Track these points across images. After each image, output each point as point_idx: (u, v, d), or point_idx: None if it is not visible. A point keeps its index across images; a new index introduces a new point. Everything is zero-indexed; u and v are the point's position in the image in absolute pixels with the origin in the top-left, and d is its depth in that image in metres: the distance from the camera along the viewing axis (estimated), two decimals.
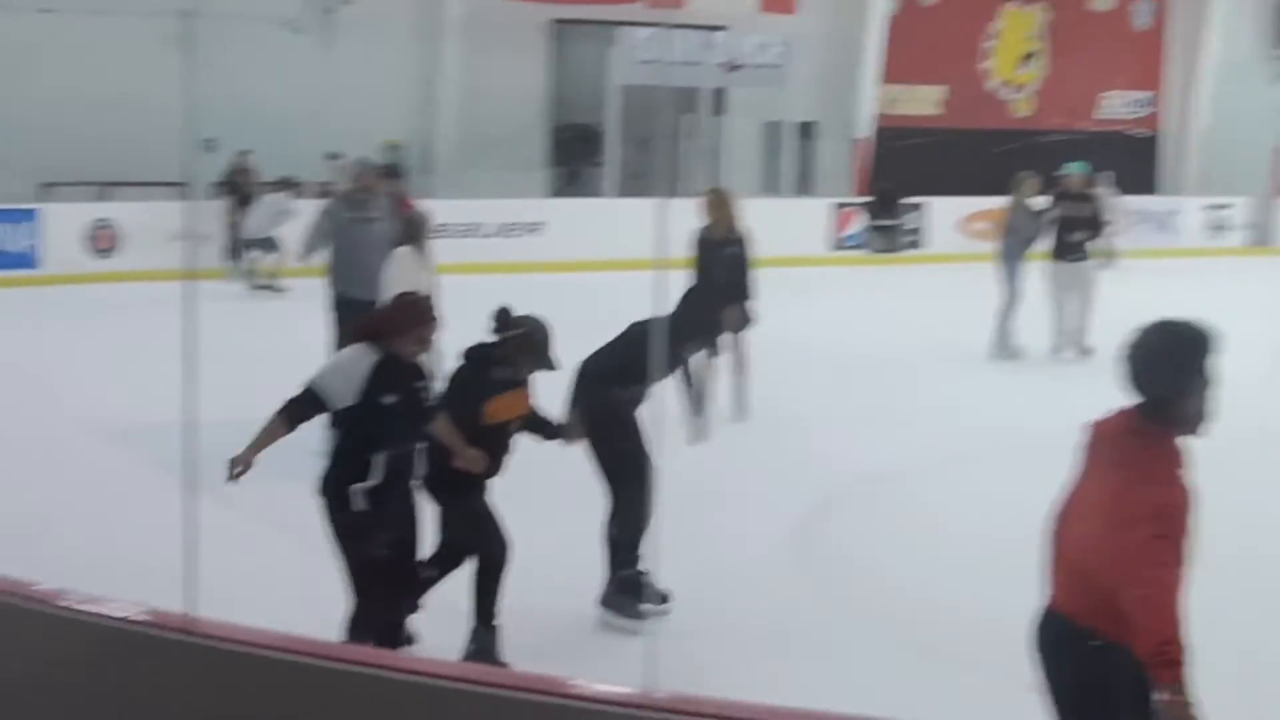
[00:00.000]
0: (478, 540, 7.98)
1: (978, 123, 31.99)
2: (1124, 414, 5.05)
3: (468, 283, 21.58)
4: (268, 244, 22.91)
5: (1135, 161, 33.45)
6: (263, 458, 7.22)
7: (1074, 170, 19.07)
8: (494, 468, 7.91)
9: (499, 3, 27.36)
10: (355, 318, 12.33)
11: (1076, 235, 18.18)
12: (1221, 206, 32.44)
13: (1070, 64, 32.84)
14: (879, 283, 26.09)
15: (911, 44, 30.97)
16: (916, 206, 29.59)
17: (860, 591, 9.84)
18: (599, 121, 28.58)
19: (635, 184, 28.26)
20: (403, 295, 7.70)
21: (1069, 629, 5.05)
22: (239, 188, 24.02)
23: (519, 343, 8.03)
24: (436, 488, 7.95)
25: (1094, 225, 18.40)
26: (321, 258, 13.30)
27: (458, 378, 8.14)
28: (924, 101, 31.85)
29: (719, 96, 29.02)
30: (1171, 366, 4.96)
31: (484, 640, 7.95)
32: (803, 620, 9.03)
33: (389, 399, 7.20)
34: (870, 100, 30.65)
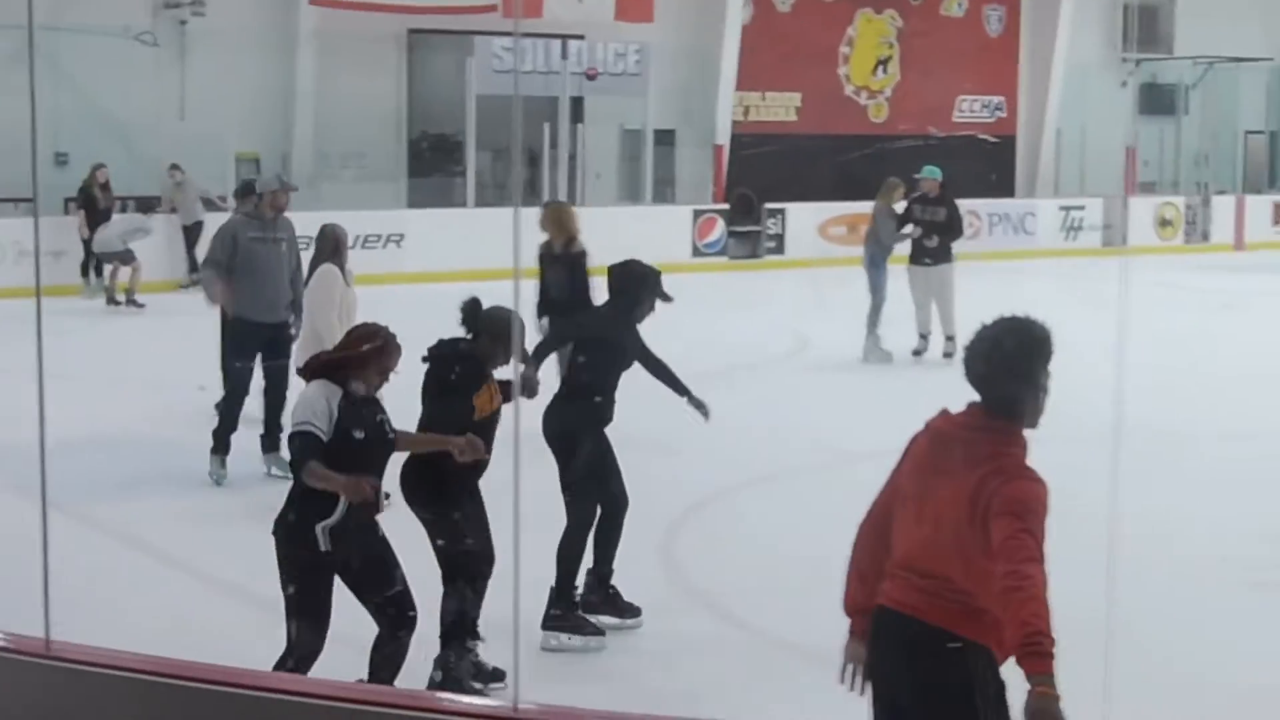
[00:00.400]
0: (478, 546, 7.81)
1: (834, 128, 32.25)
2: (966, 412, 5.07)
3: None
4: (125, 257, 22.56)
5: (991, 165, 33.92)
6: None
7: (927, 175, 19.26)
8: (484, 462, 7.74)
9: (353, 13, 27.16)
10: (256, 342, 12.26)
11: (932, 239, 18.37)
12: (1076, 208, 32.95)
13: (925, 69, 33.20)
14: (740, 289, 26.20)
15: (767, 51, 31.15)
16: (776, 212, 29.78)
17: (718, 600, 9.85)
18: (457, 131, 28.47)
19: (494, 193, 28.19)
20: (362, 327, 7.27)
21: (921, 630, 5.00)
22: (93, 202, 23.65)
23: (494, 335, 7.88)
24: (425, 499, 7.81)
25: (949, 229, 18.57)
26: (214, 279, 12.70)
27: (438, 377, 7.94)
28: (780, 108, 32.04)
29: (577, 105, 29.01)
30: (1015, 364, 5.00)
31: (457, 665, 7.74)
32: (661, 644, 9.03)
33: (359, 434, 6.99)
34: (727, 107, 30.78)
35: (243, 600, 9.10)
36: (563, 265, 13.89)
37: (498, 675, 7.82)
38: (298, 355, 11.43)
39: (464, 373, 7.90)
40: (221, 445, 12.03)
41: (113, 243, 22.68)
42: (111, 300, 22.50)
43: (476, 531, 7.80)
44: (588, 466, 8.72)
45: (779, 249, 29.66)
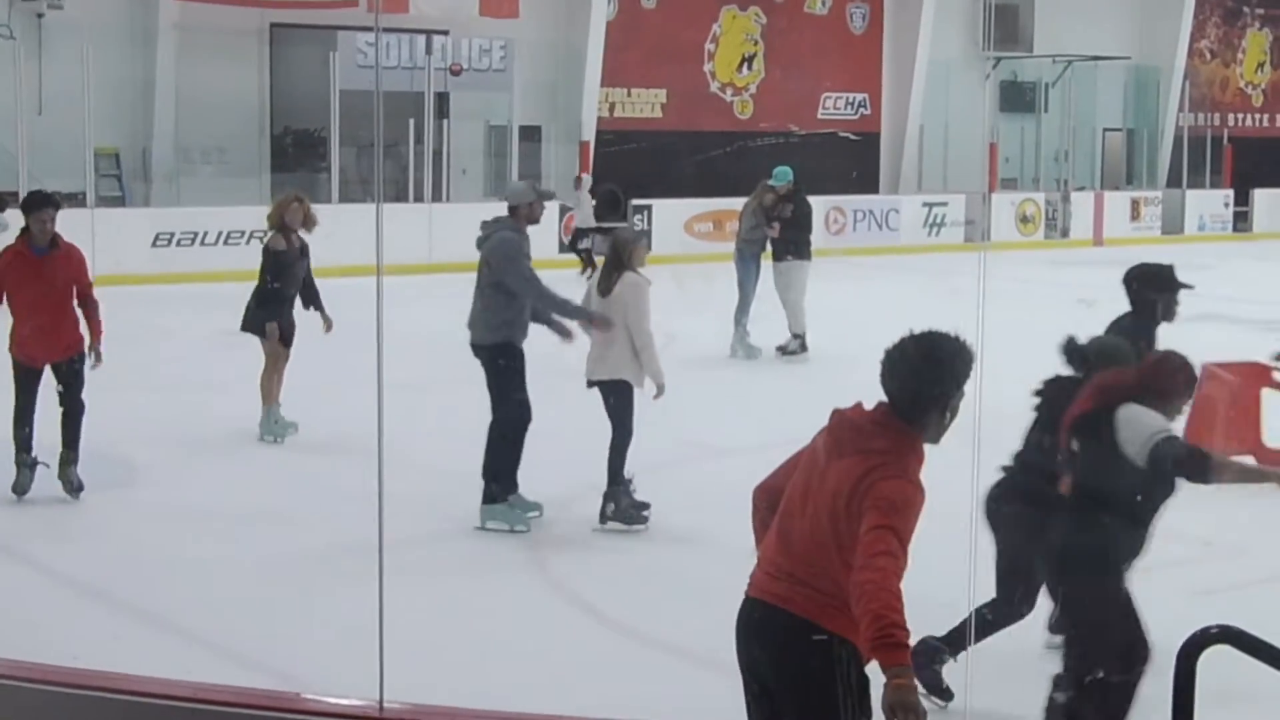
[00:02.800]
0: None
1: (700, 125, 32.37)
2: (876, 408, 5.12)
3: (193, 291, 21.23)
4: None
5: (855, 161, 34.19)
6: None
7: (779, 179, 19.35)
8: None
9: (213, 7, 26.84)
10: None
11: (787, 235, 18.48)
12: (938, 204, 33.30)
13: (789, 66, 33.41)
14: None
15: (633, 47, 31.20)
16: (642, 208, 29.82)
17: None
18: (321, 127, 28.23)
19: (358, 189, 27.98)
20: (1177, 358, 6.89)
21: (789, 621, 5.04)
22: None
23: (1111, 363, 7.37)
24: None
25: (802, 226, 18.69)
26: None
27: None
28: (646, 104, 32.10)
29: (442, 101, 28.87)
30: (920, 379, 5.06)
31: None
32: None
33: None
34: (593, 104, 30.78)
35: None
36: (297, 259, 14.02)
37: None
38: (591, 366, 11.15)
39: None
40: None
41: None
42: None
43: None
44: None
45: (645, 245, 29.65)
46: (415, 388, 13.13)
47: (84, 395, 11.09)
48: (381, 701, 4.35)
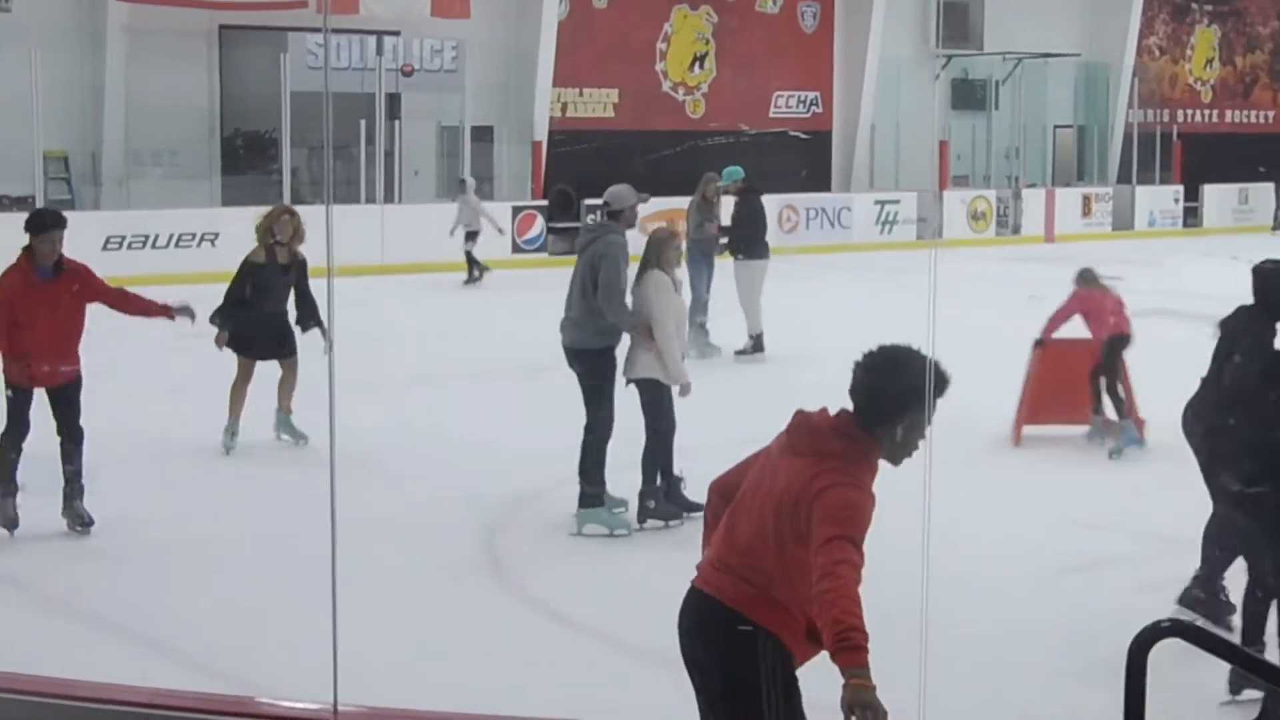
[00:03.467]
0: None
1: (652, 125, 32.38)
2: (838, 414, 5.13)
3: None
4: None
5: (806, 160, 34.23)
6: None
7: (729, 178, 19.40)
8: None
9: (162, 9, 26.70)
10: None
11: (739, 234, 18.51)
12: (890, 202, 33.39)
13: (741, 65, 33.46)
14: (561, 285, 26.12)
15: (584, 47, 31.19)
16: (595, 208, 29.77)
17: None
18: (272, 128, 28.13)
19: (310, 191, 27.87)
20: None
21: (719, 610, 5.10)
22: None
23: None
24: None
25: (755, 225, 18.71)
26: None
27: None
28: (598, 104, 32.09)
29: (394, 102, 28.80)
30: (886, 387, 5.07)
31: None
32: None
33: None
34: (545, 104, 30.74)
35: None
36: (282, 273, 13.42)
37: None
38: (628, 364, 11.16)
39: None
40: None
41: None
42: None
43: None
44: None
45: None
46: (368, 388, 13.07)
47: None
48: (336, 704, 4.34)
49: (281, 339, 13.11)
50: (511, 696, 7.63)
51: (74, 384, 10.57)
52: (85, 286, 10.68)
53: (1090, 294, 13.90)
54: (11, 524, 10.46)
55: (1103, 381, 13.34)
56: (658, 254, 11.26)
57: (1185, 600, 8.83)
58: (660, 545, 10.48)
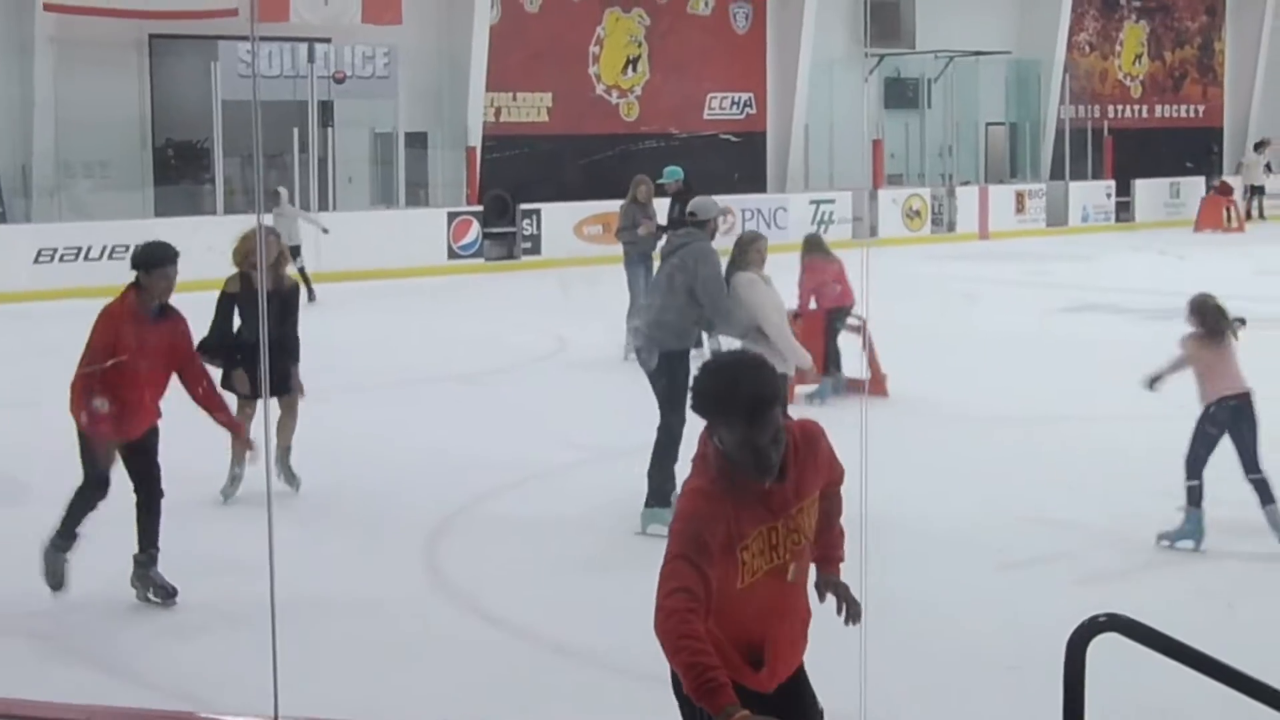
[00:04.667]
0: None
1: (586, 128, 32.37)
2: None
3: (78, 307, 20.84)
4: None
5: (742, 161, 34.29)
6: None
7: (669, 177, 19.44)
8: None
9: (91, 19, 26.50)
10: None
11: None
12: (826, 201, 33.49)
13: (674, 68, 33.48)
14: (497, 290, 26.16)
15: (517, 52, 31.13)
16: (531, 213, 29.79)
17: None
18: (204, 138, 27.98)
19: (244, 200, 27.74)
20: None
21: None
22: None
23: None
24: None
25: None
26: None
27: None
28: (532, 108, 32.05)
29: (326, 109, 28.70)
30: (713, 401, 4.79)
31: None
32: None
33: None
34: (479, 109, 30.67)
35: None
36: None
37: None
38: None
39: None
40: None
41: None
42: None
43: None
44: None
45: (535, 249, 29.67)
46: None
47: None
48: (276, 714, 4.32)
49: (277, 375, 11.82)
50: (476, 708, 7.62)
51: (153, 434, 9.37)
52: (180, 340, 9.41)
53: (813, 262, 15.77)
54: (61, 583, 9.31)
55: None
56: (743, 255, 11.67)
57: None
58: None
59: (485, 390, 16.65)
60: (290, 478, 11.90)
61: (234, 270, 11.94)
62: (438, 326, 21.36)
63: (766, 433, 4.70)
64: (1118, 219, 38.56)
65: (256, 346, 11.24)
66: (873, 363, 15.22)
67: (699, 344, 13.60)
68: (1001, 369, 17.49)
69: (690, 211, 11.95)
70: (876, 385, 15.25)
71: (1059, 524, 11.09)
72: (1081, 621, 4.49)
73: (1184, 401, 10.48)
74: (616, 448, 13.29)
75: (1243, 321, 10.55)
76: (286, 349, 11.82)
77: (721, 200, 31.53)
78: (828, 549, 5.20)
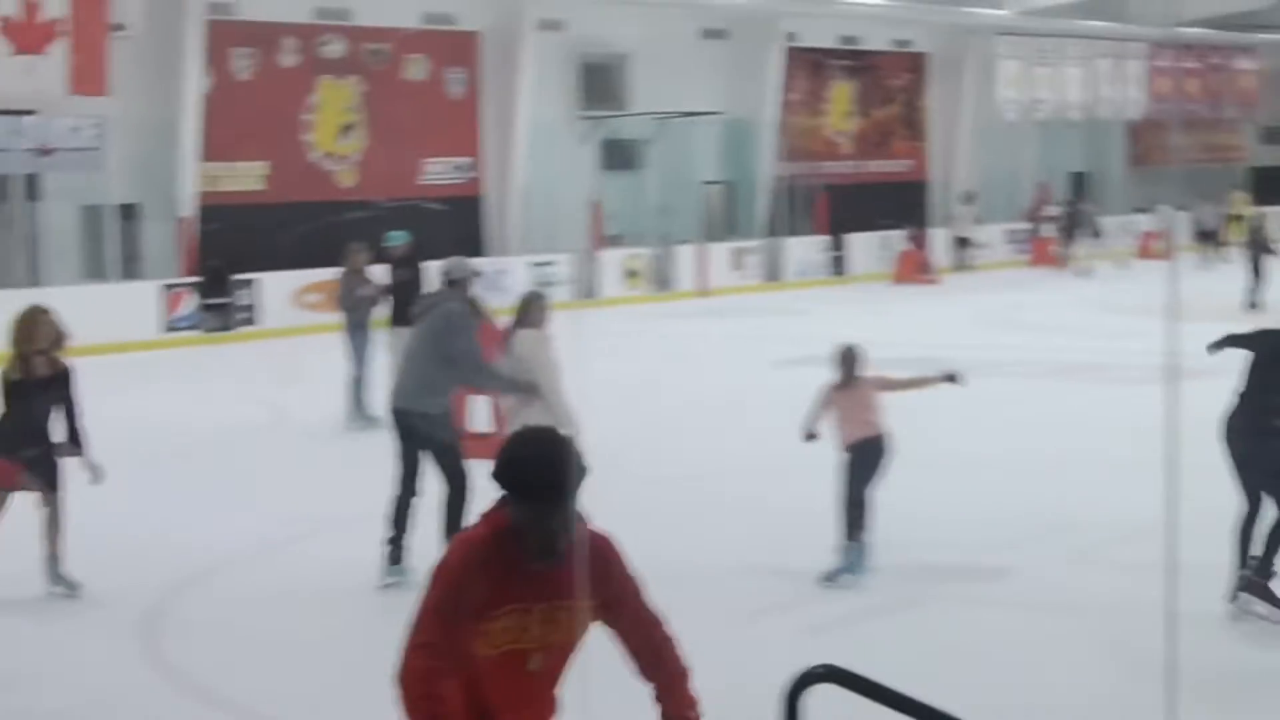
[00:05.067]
0: None
1: (302, 196, 31.96)
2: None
3: None
4: None
5: (462, 225, 34.18)
6: None
7: (396, 239, 19.38)
8: None
9: None
10: None
11: (406, 301, 18.41)
12: (546, 263, 33.58)
13: (390, 133, 33.29)
14: (215, 362, 25.67)
15: (230, 121, 30.64)
16: (248, 283, 29.32)
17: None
18: None
19: None
20: None
21: None
22: None
23: None
24: None
25: (415, 290, 18.65)
26: None
27: None
28: (246, 177, 31.57)
29: (32, 182, 27.94)
30: (518, 474, 4.78)
31: None
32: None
33: None
34: (191, 179, 30.12)
35: None
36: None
37: None
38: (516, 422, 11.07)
39: None
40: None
41: None
42: None
43: None
44: None
45: (251, 320, 29.18)
46: None
47: None
48: None
49: (45, 469, 11.00)
50: None
51: None
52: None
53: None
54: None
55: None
56: (526, 314, 11.79)
57: (1242, 586, 9.98)
58: None
59: (201, 466, 16.29)
60: (69, 585, 11.01)
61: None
62: (150, 402, 20.88)
63: (561, 517, 4.72)
64: (833, 273, 39.36)
65: (33, 437, 10.88)
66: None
67: None
68: (709, 423, 17.71)
69: (444, 271, 12.05)
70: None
71: (788, 573, 11.24)
72: (799, 672, 4.52)
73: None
74: (342, 517, 13.15)
75: (952, 379, 11.31)
76: (69, 436, 11.07)
77: (439, 265, 31.42)
78: (677, 709, 5.01)
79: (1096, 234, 40.35)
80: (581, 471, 4.80)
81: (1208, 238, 42.25)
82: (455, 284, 11.84)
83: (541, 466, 4.72)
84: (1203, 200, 43.86)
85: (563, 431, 10.99)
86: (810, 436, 11.22)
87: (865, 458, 10.95)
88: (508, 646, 4.76)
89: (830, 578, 10.89)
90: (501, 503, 4.81)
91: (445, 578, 4.76)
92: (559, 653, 4.89)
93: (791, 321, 29.03)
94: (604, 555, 4.92)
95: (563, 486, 4.71)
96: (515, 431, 5.01)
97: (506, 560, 4.74)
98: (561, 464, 4.73)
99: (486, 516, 4.85)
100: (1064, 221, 41.72)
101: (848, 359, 11.22)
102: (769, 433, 16.73)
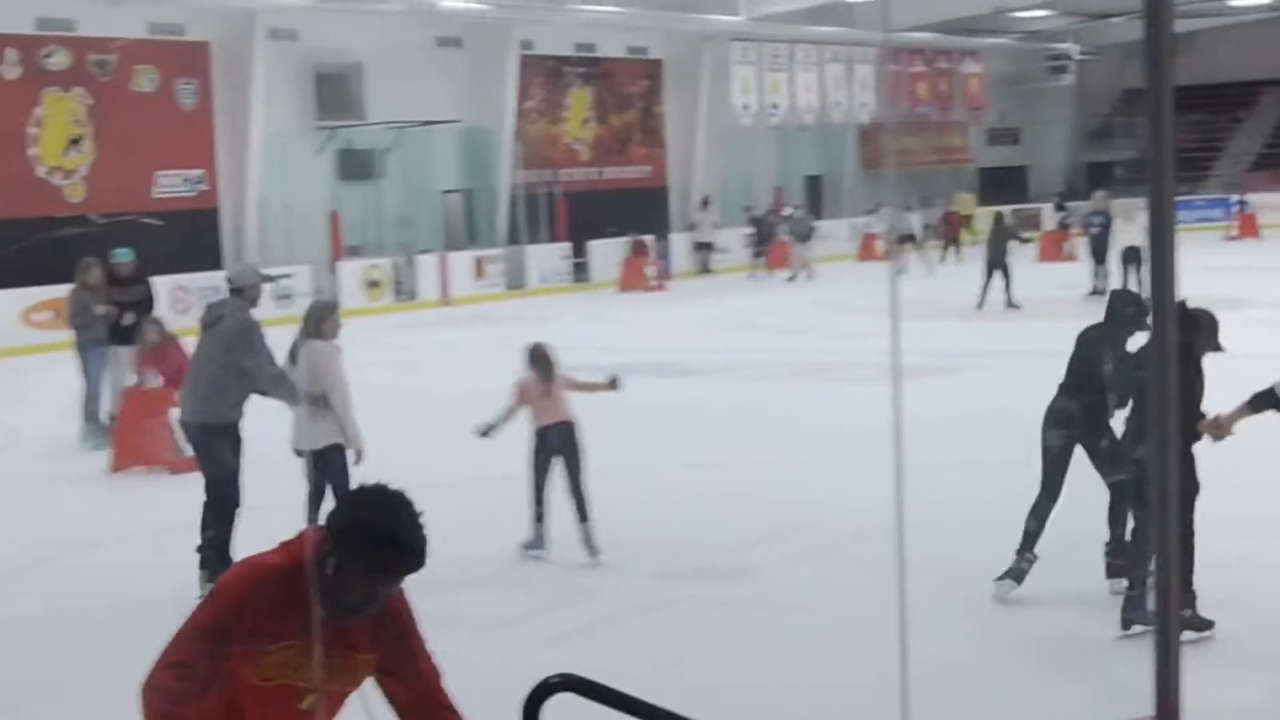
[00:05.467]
0: None
1: (30, 211, 31.09)
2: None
3: None
4: None
5: (197, 238, 33.58)
6: None
7: (119, 258, 18.95)
8: None
9: None
10: None
11: (129, 318, 18.03)
12: (284, 276, 33.14)
13: (120, 146, 32.54)
14: None
15: None
16: None
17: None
18: None
19: None
20: None
21: None
22: None
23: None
24: None
25: (145, 307, 18.32)
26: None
27: None
28: None
29: None
30: (382, 544, 4.51)
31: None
32: None
33: None
34: None
35: None
36: None
37: None
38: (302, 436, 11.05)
39: None
40: None
41: None
42: None
43: None
44: None
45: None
46: None
47: None
48: None
49: None
50: None
51: None
52: None
53: (161, 347, 16.24)
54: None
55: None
56: (317, 325, 11.45)
57: (1111, 573, 10.11)
58: None
59: None
60: None
61: None
62: None
63: (395, 589, 4.61)
64: (575, 279, 39.51)
65: None
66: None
67: None
68: (446, 433, 17.66)
69: (229, 279, 11.91)
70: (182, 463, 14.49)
71: (511, 583, 11.28)
72: (536, 683, 4.53)
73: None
74: (80, 542, 12.86)
75: (614, 384, 12.22)
76: None
77: (177, 280, 30.89)
78: None
79: (806, 238, 39.79)
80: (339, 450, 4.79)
81: (907, 241, 42.05)
82: (240, 292, 11.57)
83: (400, 543, 4.50)
84: (906, 208, 44.60)
85: (351, 448, 10.99)
86: (485, 433, 11.99)
87: (559, 441, 11.64)
88: (279, 680, 4.58)
89: (528, 547, 11.72)
90: (314, 543, 4.53)
91: (222, 600, 4.57)
92: (336, 697, 4.76)
93: (531, 329, 28.93)
94: (399, 614, 4.74)
95: (417, 564, 4.54)
96: (369, 491, 4.64)
97: (295, 596, 4.48)
98: (422, 541, 4.53)
99: (286, 546, 4.60)
100: (764, 228, 41.89)
101: (539, 356, 11.96)
102: (505, 440, 16.79)
